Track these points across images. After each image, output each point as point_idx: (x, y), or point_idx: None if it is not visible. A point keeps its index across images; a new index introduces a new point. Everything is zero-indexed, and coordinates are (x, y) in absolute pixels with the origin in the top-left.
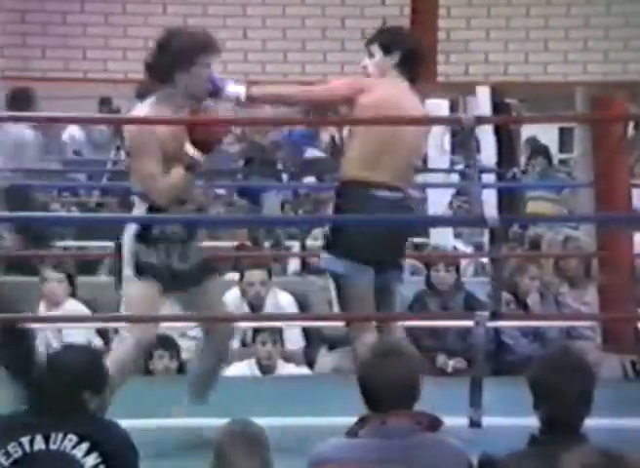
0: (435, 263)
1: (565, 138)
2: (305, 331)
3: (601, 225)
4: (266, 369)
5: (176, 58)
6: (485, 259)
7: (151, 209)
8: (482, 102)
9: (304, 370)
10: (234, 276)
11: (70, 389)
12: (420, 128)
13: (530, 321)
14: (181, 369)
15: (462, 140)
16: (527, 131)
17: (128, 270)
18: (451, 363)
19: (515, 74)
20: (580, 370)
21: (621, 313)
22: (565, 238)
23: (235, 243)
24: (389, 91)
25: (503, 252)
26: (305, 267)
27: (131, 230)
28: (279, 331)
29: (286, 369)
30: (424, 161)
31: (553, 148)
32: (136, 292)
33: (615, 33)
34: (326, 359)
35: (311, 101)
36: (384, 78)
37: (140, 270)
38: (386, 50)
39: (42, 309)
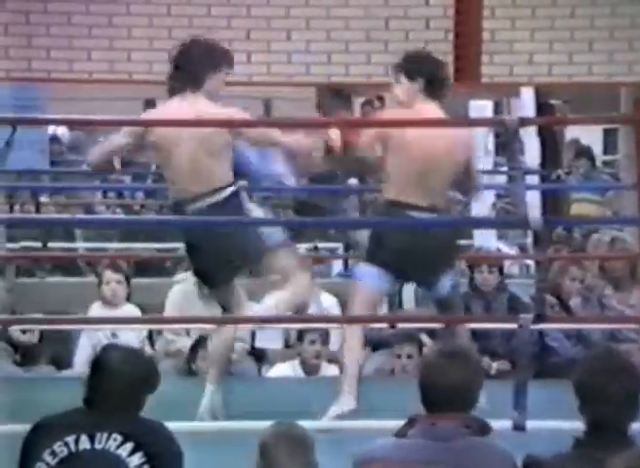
0: (479, 265)
1: (609, 140)
2: None
3: None
4: (311, 369)
5: (205, 63)
6: (529, 261)
7: None
8: (526, 103)
9: None
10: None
11: (123, 390)
12: (458, 146)
13: (574, 323)
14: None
15: (506, 142)
16: (571, 132)
17: None
18: (494, 365)
19: (559, 75)
20: (625, 371)
21: None
22: (612, 239)
23: None
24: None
25: (547, 253)
26: (349, 268)
27: None
28: (326, 332)
29: (329, 370)
30: None
31: (597, 150)
32: None
33: None
34: (369, 360)
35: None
36: (410, 109)
37: None
38: (411, 77)
39: (96, 311)
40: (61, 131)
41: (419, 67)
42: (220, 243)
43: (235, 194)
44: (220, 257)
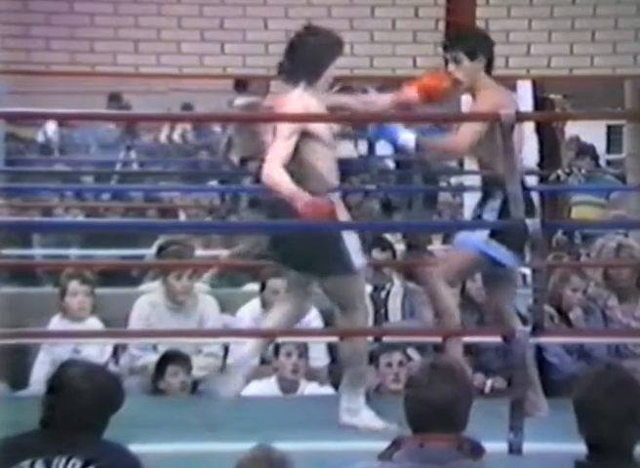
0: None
1: (613, 137)
2: (330, 347)
3: None
4: (289, 387)
5: (323, 56)
6: (526, 269)
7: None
8: (523, 98)
9: (329, 390)
10: (254, 287)
11: (84, 409)
12: None
13: (575, 337)
14: (194, 388)
15: (502, 139)
16: (572, 129)
17: None
18: (489, 382)
19: (559, 67)
20: (629, 389)
21: None
22: (617, 245)
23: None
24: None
25: (546, 261)
26: None
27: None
28: (305, 345)
29: (309, 388)
30: (460, 162)
31: (600, 148)
32: None
33: None
34: None
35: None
36: (494, 89)
37: None
38: (472, 55)
39: (57, 324)
40: (51, 129)
41: (481, 44)
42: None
43: None
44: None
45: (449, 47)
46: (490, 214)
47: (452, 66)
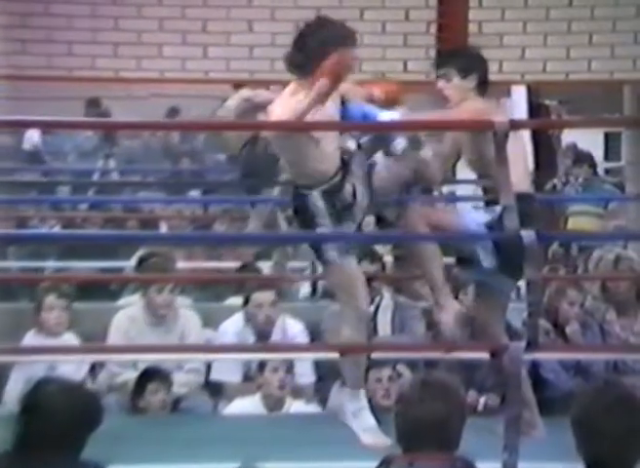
0: (463, 286)
1: (611, 145)
2: (317, 364)
3: None
4: (274, 405)
5: (333, 48)
6: (521, 282)
7: None
8: (517, 104)
9: (315, 408)
10: (237, 301)
11: (60, 429)
12: None
13: (572, 352)
14: (175, 406)
15: (495, 147)
16: (568, 136)
17: None
18: (482, 400)
19: (555, 72)
20: (629, 407)
21: None
22: (615, 257)
23: (239, 263)
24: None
25: (542, 273)
26: (317, 291)
27: None
28: (291, 361)
29: (295, 406)
30: (453, 171)
31: (598, 156)
32: None
33: None
34: (339, 395)
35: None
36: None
37: None
38: (464, 73)
39: (31, 340)
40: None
41: (474, 62)
42: None
43: None
44: None
45: (440, 64)
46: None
47: (441, 83)
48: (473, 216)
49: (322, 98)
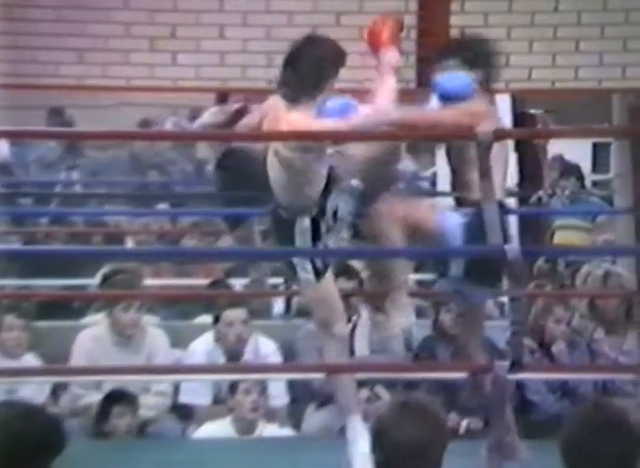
0: (445, 303)
1: (600, 156)
2: (291, 385)
3: None
4: (246, 428)
5: (330, 66)
6: (505, 299)
7: None
8: (501, 113)
9: (289, 431)
10: (207, 319)
11: (20, 455)
12: None
13: (558, 373)
14: (142, 430)
15: (478, 158)
16: (554, 147)
17: None
18: (464, 423)
19: (540, 80)
20: (620, 430)
21: None
22: (604, 273)
23: (209, 279)
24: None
25: (527, 290)
26: (290, 308)
27: None
28: (263, 382)
29: (268, 429)
30: (433, 183)
31: (586, 167)
32: None
33: None
34: (314, 417)
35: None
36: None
37: None
38: (469, 66)
39: None
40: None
41: (479, 55)
42: None
43: None
44: None
45: (444, 54)
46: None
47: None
48: (452, 216)
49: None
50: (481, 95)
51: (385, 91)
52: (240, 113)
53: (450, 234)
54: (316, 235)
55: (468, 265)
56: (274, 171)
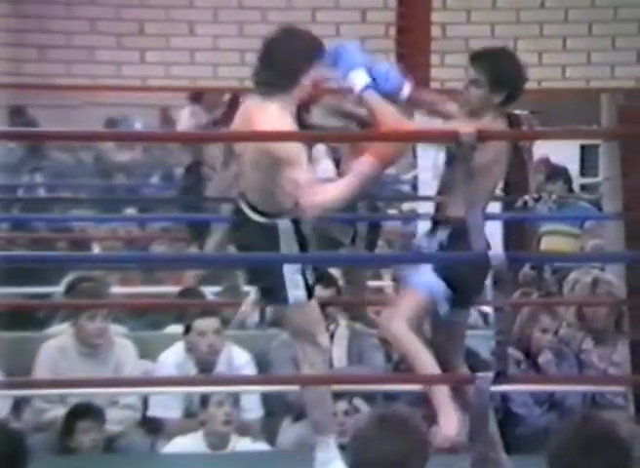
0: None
1: (588, 158)
2: (265, 398)
3: (632, 266)
4: (218, 443)
5: (300, 61)
6: (489, 308)
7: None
8: None
9: (263, 446)
10: (178, 329)
11: None
12: None
13: (545, 384)
14: (109, 445)
15: (461, 161)
16: (541, 149)
17: None
18: None
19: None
20: (609, 444)
21: None
22: (592, 281)
23: (179, 287)
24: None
25: (512, 298)
26: (265, 318)
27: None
28: (236, 395)
29: (241, 444)
30: (414, 186)
31: (573, 170)
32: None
33: None
34: (289, 431)
35: None
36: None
37: None
38: (495, 86)
39: None
40: None
41: (507, 76)
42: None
43: None
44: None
45: (476, 59)
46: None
47: (472, 89)
48: (429, 276)
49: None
50: (496, 118)
51: (342, 183)
52: (234, 103)
53: (437, 293)
54: (303, 241)
55: (448, 280)
56: (246, 172)
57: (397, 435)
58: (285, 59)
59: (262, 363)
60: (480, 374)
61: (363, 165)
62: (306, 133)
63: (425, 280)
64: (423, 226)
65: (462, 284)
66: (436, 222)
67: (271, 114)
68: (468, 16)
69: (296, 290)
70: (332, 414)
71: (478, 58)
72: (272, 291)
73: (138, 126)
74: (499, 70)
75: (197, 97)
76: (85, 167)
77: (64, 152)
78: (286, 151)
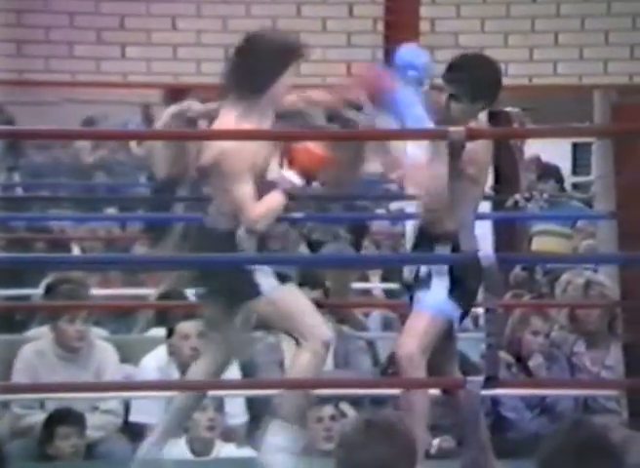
0: None
1: (580, 157)
2: (250, 403)
3: (626, 267)
4: (202, 449)
5: (272, 64)
6: (479, 310)
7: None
8: None
9: (248, 452)
10: (160, 332)
11: None
12: None
13: (536, 388)
14: (90, 451)
15: (450, 159)
16: (532, 147)
17: None
18: (436, 442)
19: (517, 75)
20: (602, 450)
21: None
22: (585, 282)
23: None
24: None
25: (502, 300)
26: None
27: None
28: (220, 399)
29: (225, 450)
30: (402, 186)
31: (565, 169)
32: None
33: None
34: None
35: None
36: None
37: None
38: (474, 97)
39: None
40: None
41: (485, 86)
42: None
43: None
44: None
45: (452, 81)
46: (438, 273)
47: (453, 105)
48: (434, 296)
49: None
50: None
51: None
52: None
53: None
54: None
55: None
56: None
57: (384, 440)
58: (250, 65)
59: (247, 366)
60: (470, 378)
61: (286, 181)
62: (278, 131)
63: (436, 300)
64: (411, 227)
65: (464, 292)
66: (429, 236)
67: (224, 125)
68: (458, 10)
69: (266, 278)
70: (302, 407)
71: (450, 72)
72: (242, 288)
73: (131, 126)
74: (474, 81)
75: (176, 95)
76: (63, 166)
77: (41, 150)
78: (231, 165)
